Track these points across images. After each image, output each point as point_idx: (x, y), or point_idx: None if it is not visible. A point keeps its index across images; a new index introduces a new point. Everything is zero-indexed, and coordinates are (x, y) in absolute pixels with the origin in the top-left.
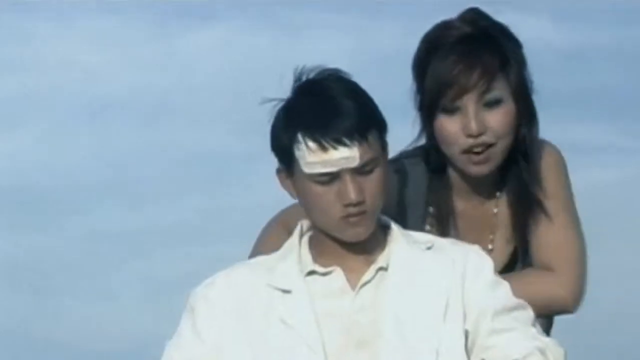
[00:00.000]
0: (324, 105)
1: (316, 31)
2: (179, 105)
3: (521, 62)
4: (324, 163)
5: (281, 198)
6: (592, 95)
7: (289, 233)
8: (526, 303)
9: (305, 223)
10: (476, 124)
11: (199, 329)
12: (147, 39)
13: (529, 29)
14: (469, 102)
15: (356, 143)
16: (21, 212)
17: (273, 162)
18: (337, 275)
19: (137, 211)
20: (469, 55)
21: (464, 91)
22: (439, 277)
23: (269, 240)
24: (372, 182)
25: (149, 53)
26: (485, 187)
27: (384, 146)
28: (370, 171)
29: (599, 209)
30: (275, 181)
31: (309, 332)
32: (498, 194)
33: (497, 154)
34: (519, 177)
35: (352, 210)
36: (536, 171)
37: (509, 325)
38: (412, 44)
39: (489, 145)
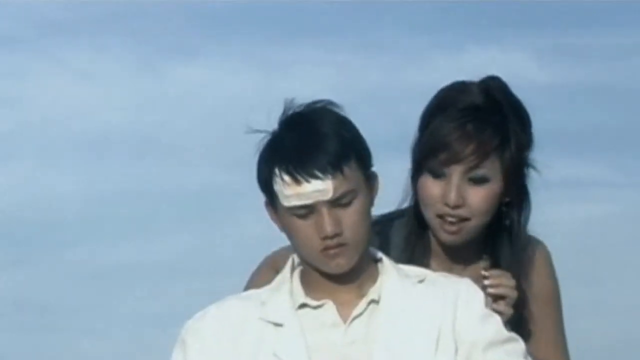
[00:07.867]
0: (304, 138)
1: (302, 67)
2: (166, 141)
3: (524, 144)
4: (299, 196)
5: (269, 233)
6: (577, 132)
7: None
8: (518, 336)
9: (296, 257)
10: (455, 196)
11: None
12: (135, 76)
13: (513, 66)
14: (455, 172)
15: (329, 176)
16: (10, 247)
17: (260, 196)
18: (329, 308)
19: (125, 247)
20: (470, 128)
21: (453, 160)
22: (431, 310)
23: (260, 282)
24: (351, 214)
25: (137, 90)
26: (466, 257)
27: (368, 177)
28: (348, 203)
29: (587, 243)
30: (263, 215)
31: None
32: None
33: (470, 229)
34: (501, 258)
35: (329, 242)
36: (521, 263)
37: (500, 358)
38: (396, 80)
39: (463, 219)
